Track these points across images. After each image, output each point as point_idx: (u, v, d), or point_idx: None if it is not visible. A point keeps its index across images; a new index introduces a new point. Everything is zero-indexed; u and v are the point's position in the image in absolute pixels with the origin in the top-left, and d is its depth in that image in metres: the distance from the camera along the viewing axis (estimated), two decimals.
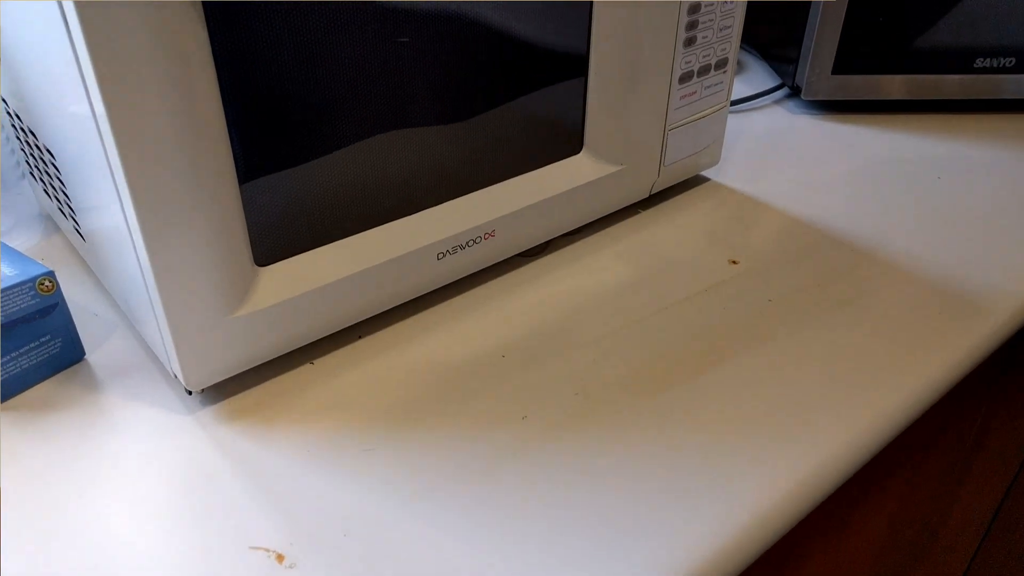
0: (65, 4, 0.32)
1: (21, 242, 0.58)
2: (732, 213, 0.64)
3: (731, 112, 0.82)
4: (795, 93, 0.82)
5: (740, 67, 0.92)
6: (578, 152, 0.56)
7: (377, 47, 0.42)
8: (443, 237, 0.49)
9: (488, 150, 0.50)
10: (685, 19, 0.56)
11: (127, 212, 0.37)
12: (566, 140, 0.55)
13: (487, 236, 0.52)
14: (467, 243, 0.51)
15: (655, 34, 0.54)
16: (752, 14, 0.91)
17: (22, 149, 0.56)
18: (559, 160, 0.55)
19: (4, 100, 0.54)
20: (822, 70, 0.78)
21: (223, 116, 0.38)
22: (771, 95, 0.85)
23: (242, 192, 0.40)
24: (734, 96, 0.83)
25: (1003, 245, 0.59)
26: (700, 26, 0.57)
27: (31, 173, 0.57)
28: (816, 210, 0.64)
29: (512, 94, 0.49)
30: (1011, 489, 0.87)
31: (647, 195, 0.63)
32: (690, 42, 0.57)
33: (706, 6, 0.57)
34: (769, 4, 0.88)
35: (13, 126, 0.55)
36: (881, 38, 0.77)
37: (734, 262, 0.58)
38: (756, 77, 0.90)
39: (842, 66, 0.78)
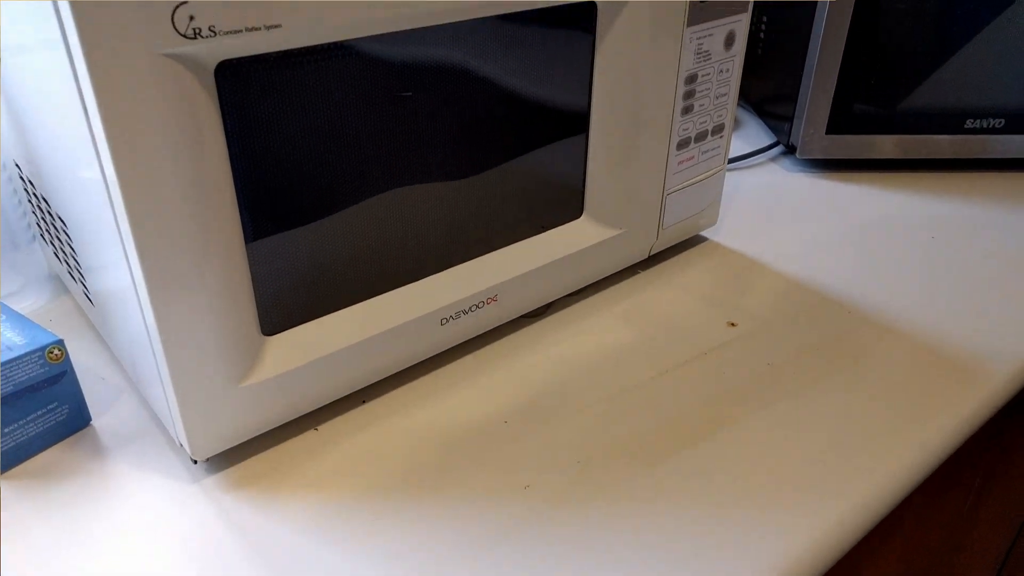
0: (80, 74, 0.33)
1: (30, 303, 0.59)
2: (730, 273, 0.65)
3: (728, 170, 0.84)
4: (790, 151, 0.84)
5: (735, 123, 0.94)
6: (579, 217, 0.58)
7: (384, 109, 0.43)
8: (447, 303, 0.50)
9: (491, 214, 0.51)
10: (683, 89, 0.57)
11: (135, 277, 0.38)
12: (567, 205, 0.56)
13: (490, 301, 0.53)
14: (470, 308, 0.52)
15: (653, 103, 0.56)
16: (746, 71, 0.93)
17: (33, 212, 0.57)
18: (560, 225, 0.57)
19: (17, 165, 0.55)
20: (816, 130, 0.80)
21: (232, 182, 0.39)
22: (767, 152, 0.87)
23: (250, 259, 0.41)
24: (730, 153, 0.85)
25: (999, 306, 0.60)
26: (697, 95, 0.59)
27: (42, 235, 0.58)
28: (813, 271, 0.65)
29: (513, 158, 0.51)
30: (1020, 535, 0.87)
31: (646, 256, 0.64)
32: (687, 110, 0.59)
33: (703, 76, 0.58)
34: (762, 62, 0.90)
35: (26, 190, 0.56)
36: (873, 99, 0.79)
37: (733, 324, 0.58)
38: (751, 133, 0.92)
39: (836, 126, 0.80)
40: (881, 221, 0.73)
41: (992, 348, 0.55)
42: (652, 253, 0.64)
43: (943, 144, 0.81)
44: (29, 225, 0.60)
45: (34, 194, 0.54)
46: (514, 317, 0.56)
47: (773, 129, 0.89)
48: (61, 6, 0.32)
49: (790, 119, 0.83)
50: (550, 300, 0.58)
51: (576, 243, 0.57)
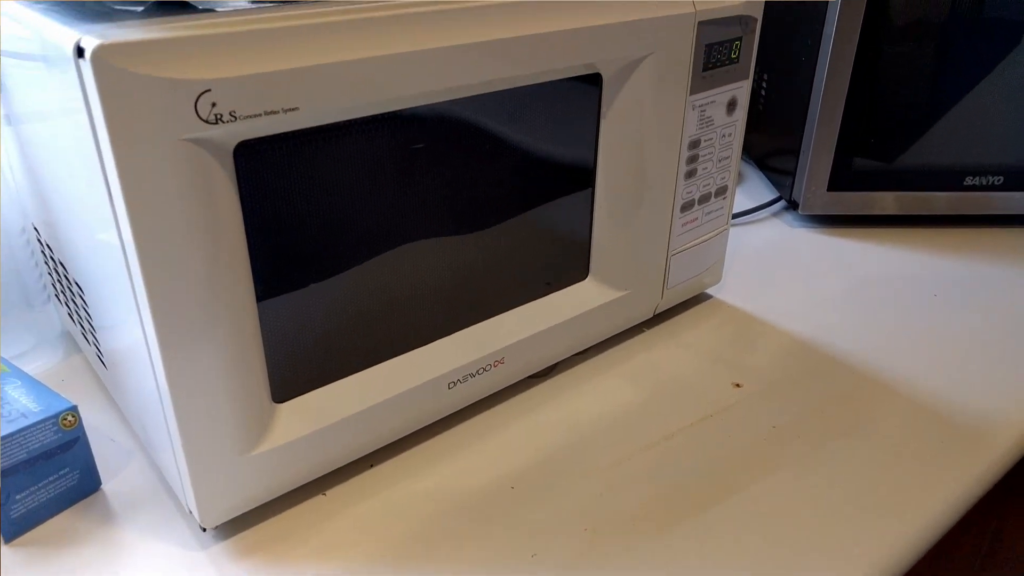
0: (104, 153, 0.34)
1: (43, 362, 0.59)
2: (734, 332, 0.65)
3: (731, 225, 0.85)
4: (792, 206, 0.85)
5: (738, 177, 0.96)
6: (584, 278, 0.58)
7: (393, 173, 0.44)
8: (454, 367, 0.51)
9: (498, 276, 0.52)
10: (686, 154, 0.59)
11: (150, 343, 0.39)
12: (573, 266, 0.57)
13: (496, 364, 0.53)
14: (477, 371, 0.52)
15: (657, 167, 0.57)
16: (747, 125, 0.95)
17: (50, 274, 0.58)
18: (567, 286, 0.57)
19: (36, 228, 0.56)
20: (818, 187, 0.81)
21: (245, 248, 0.39)
22: (769, 207, 0.88)
23: (261, 323, 0.42)
24: (734, 209, 0.86)
25: (1003, 366, 0.61)
26: (700, 159, 0.60)
27: (57, 296, 0.59)
28: (816, 329, 0.66)
29: (519, 219, 0.52)
30: None
31: (651, 315, 0.64)
32: (691, 174, 0.60)
33: (706, 141, 0.60)
34: (764, 117, 0.92)
35: (43, 252, 0.57)
36: (874, 156, 0.80)
37: (738, 385, 0.59)
38: (753, 187, 0.93)
39: (837, 183, 0.81)
40: (883, 278, 0.74)
41: (998, 409, 0.56)
42: (657, 312, 0.65)
43: (943, 201, 0.82)
44: (45, 286, 0.61)
45: (51, 257, 0.55)
46: (521, 378, 0.57)
47: (775, 183, 0.90)
48: (90, 93, 0.33)
49: (791, 174, 0.84)
50: (556, 361, 0.59)
51: (582, 304, 0.58)
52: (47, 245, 0.54)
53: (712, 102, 0.58)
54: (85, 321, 0.52)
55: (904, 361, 0.61)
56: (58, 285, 0.57)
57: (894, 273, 0.75)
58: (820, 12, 0.76)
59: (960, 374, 0.60)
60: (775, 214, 0.87)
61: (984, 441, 0.53)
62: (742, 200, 0.89)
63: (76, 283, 0.50)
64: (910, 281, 0.74)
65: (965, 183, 0.81)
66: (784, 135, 0.86)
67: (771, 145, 0.91)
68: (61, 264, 0.52)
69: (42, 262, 0.59)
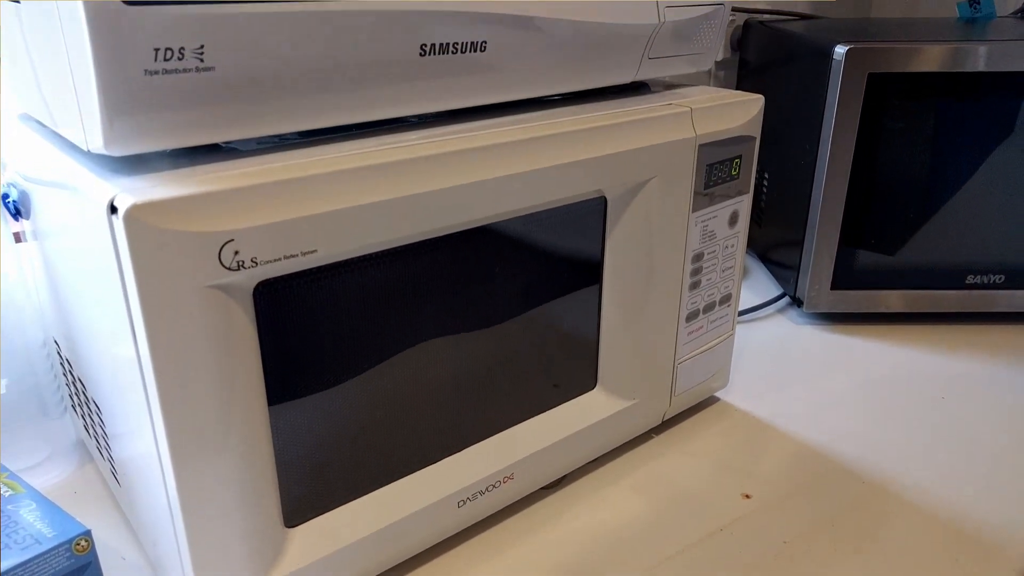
0: (129, 293, 0.36)
1: (57, 473, 0.60)
2: (742, 438, 0.65)
3: (736, 323, 0.86)
4: (797, 303, 0.86)
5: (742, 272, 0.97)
6: (593, 388, 0.59)
7: (406, 290, 0.46)
8: (464, 486, 0.51)
9: (507, 386, 0.53)
10: (690, 267, 0.60)
11: (164, 467, 0.39)
12: (581, 376, 0.58)
13: (506, 480, 0.54)
14: (487, 488, 0.53)
15: (662, 281, 0.58)
16: (749, 220, 0.97)
17: (67, 386, 0.59)
18: (574, 397, 0.58)
19: (56, 341, 0.58)
20: (821, 286, 0.83)
21: (261, 376, 0.41)
22: (774, 304, 0.89)
23: (275, 446, 0.43)
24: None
25: (1015, 474, 0.60)
26: (704, 270, 0.62)
27: (73, 408, 0.60)
28: (824, 434, 0.66)
29: (529, 333, 0.53)
30: None
31: (659, 423, 0.65)
32: (695, 285, 0.61)
33: (709, 254, 0.61)
34: (765, 212, 0.94)
35: (62, 365, 0.58)
36: (876, 255, 0.81)
37: (747, 496, 0.59)
38: (757, 281, 0.95)
39: (840, 282, 0.82)
40: (890, 378, 0.74)
41: (1013, 521, 0.55)
42: (665, 419, 0.65)
43: (947, 299, 0.83)
44: (62, 398, 0.62)
45: (70, 372, 0.56)
46: (529, 492, 0.57)
47: (778, 278, 0.91)
48: (120, 246, 0.35)
49: (795, 268, 0.85)
50: (565, 472, 0.59)
51: (591, 415, 0.58)
52: (67, 360, 0.56)
53: (714, 217, 0.60)
54: (101, 438, 0.53)
55: (914, 468, 0.61)
56: (75, 398, 0.58)
57: (901, 373, 0.75)
58: (817, 117, 0.78)
59: (971, 483, 0.60)
60: (780, 310, 0.89)
61: (999, 556, 0.52)
62: (747, 295, 0.90)
63: (94, 401, 0.51)
64: (918, 381, 0.74)
65: (967, 281, 0.82)
66: (786, 230, 0.88)
67: (774, 240, 0.92)
68: (80, 381, 0.53)
69: (61, 374, 0.60)
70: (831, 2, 1.14)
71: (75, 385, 0.56)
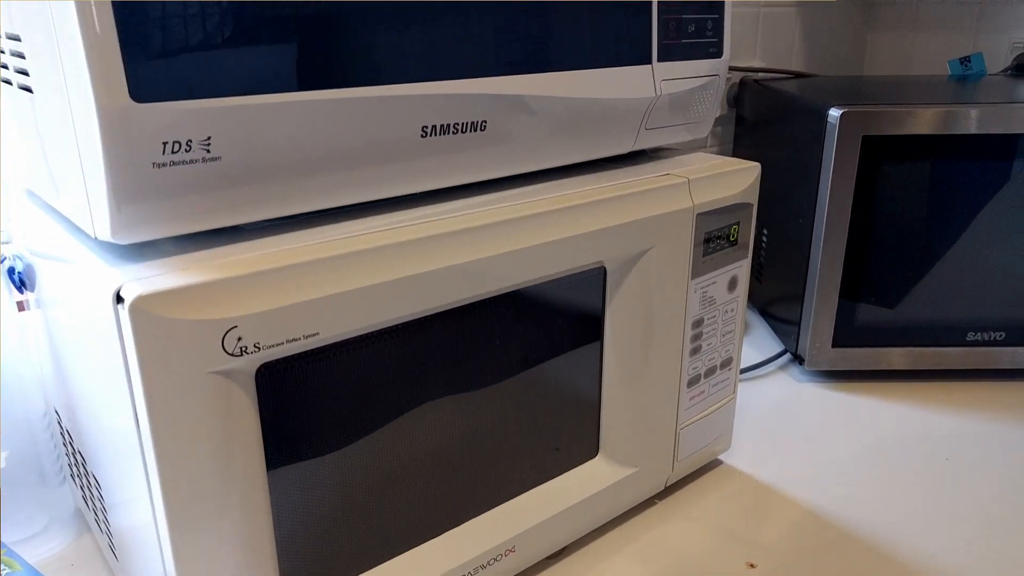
0: (132, 374, 0.36)
1: (55, 544, 0.59)
2: (746, 504, 0.65)
3: (738, 381, 0.85)
4: (798, 360, 0.86)
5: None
6: (594, 456, 0.59)
7: (408, 364, 0.46)
8: (464, 561, 0.51)
9: (507, 454, 0.53)
10: (690, 333, 0.60)
11: (163, 546, 0.39)
12: (582, 444, 0.58)
13: (507, 552, 0.53)
14: (488, 562, 0.52)
15: (662, 348, 0.58)
16: (749, 275, 0.98)
17: (67, 455, 0.59)
18: (576, 466, 0.58)
19: (57, 412, 0.58)
20: (822, 344, 0.83)
21: (262, 454, 0.40)
22: (776, 360, 0.89)
23: (275, 526, 0.42)
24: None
25: (1022, 541, 0.60)
26: (704, 336, 0.62)
27: (73, 477, 0.60)
28: (829, 498, 0.65)
29: (529, 403, 0.53)
30: None
31: (662, 488, 0.64)
32: (695, 351, 0.61)
33: (709, 319, 0.62)
34: (765, 267, 0.94)
35: (63, 435, 0.58)
36: (876, 313, 0.82)
37: (752, 565, 0.58)
38: (759, 337, 0.95)
39: (841, 340, 0.82)
40: (893, 438, 0.74)
41: None
42: (668, 485, 0.65)
43: (949, 356, 0.83)
44: (61, 467, 0.62)
45: (70, 443, 0.56)
46: (531, 564, 0.56)
47: (779, 333, 0.91)
48: (125, 334, 0.35)
49: (795, 324, 0.85)
50: (568, 543, 0.58)
51: (594, 484, 0.58)
52: (67, 431, 0.56)
53: (713, 283, 0.61)
54: (100, 511, 0.52)
55: (920, 534, 0.61)
56: (75, 468, 0.57)
57: (905, 433, 0.75)
58: (814, 175, 0.79)
59: (978, 550, 0.59)
60: (782, 367, 0.88)
61: None
62: (748, 351, 0.90)
63: (94, 475, 0.51)
64: (922, 441, 0.73)
65: (968, 338, 0.82)
66: (786, 286, 0.88)
67: (774, 295, 0.93)
68: (80, 453, 0.53)
69: (61, 444, 0.60)
70: (824, 60, 1.16)
71: (75, 456, 0.56)
